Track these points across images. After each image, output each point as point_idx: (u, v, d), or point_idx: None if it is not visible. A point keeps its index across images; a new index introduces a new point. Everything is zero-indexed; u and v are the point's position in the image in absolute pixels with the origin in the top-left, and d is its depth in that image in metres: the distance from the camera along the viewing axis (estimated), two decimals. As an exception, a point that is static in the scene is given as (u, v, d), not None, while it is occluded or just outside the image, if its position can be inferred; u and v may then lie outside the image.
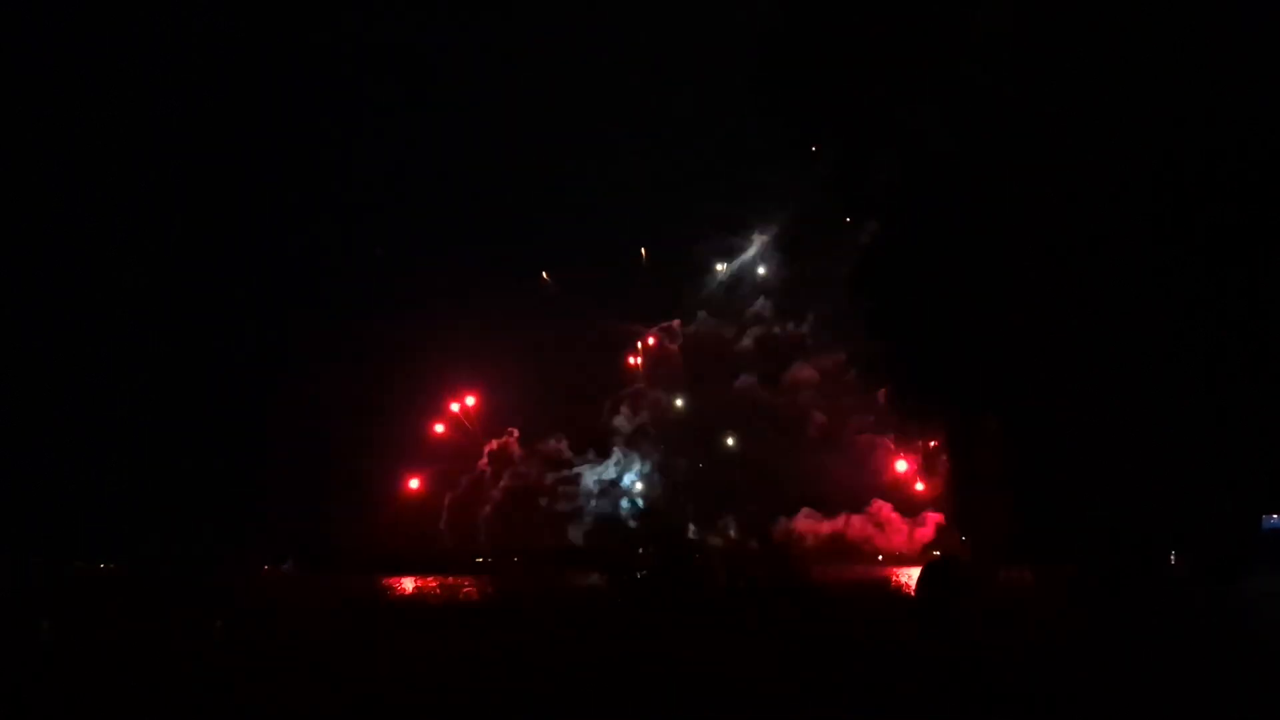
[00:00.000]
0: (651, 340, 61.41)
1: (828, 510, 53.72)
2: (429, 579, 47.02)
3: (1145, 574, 18.33)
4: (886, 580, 35.62)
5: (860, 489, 54.47)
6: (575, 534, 54.91)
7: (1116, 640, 17.02)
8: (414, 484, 59.76)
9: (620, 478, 56.74)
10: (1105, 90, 25.34)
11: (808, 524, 53.35)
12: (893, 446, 56.33)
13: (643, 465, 56.55)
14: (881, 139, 31.03)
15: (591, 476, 57.12)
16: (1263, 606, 23.13)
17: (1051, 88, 26.17)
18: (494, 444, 59.90)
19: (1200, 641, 16.87)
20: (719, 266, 60.37)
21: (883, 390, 42.28)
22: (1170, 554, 19.15)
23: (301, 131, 61.09)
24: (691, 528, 46.29)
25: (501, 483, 58.35)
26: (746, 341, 60.17)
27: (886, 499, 54.55)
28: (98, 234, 57.96)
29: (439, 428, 61.14)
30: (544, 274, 60.52)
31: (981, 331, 28.10)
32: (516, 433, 59.52)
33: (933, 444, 49.72)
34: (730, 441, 56.30)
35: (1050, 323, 26.34)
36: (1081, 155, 25.53)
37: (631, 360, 61.81)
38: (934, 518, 52.06)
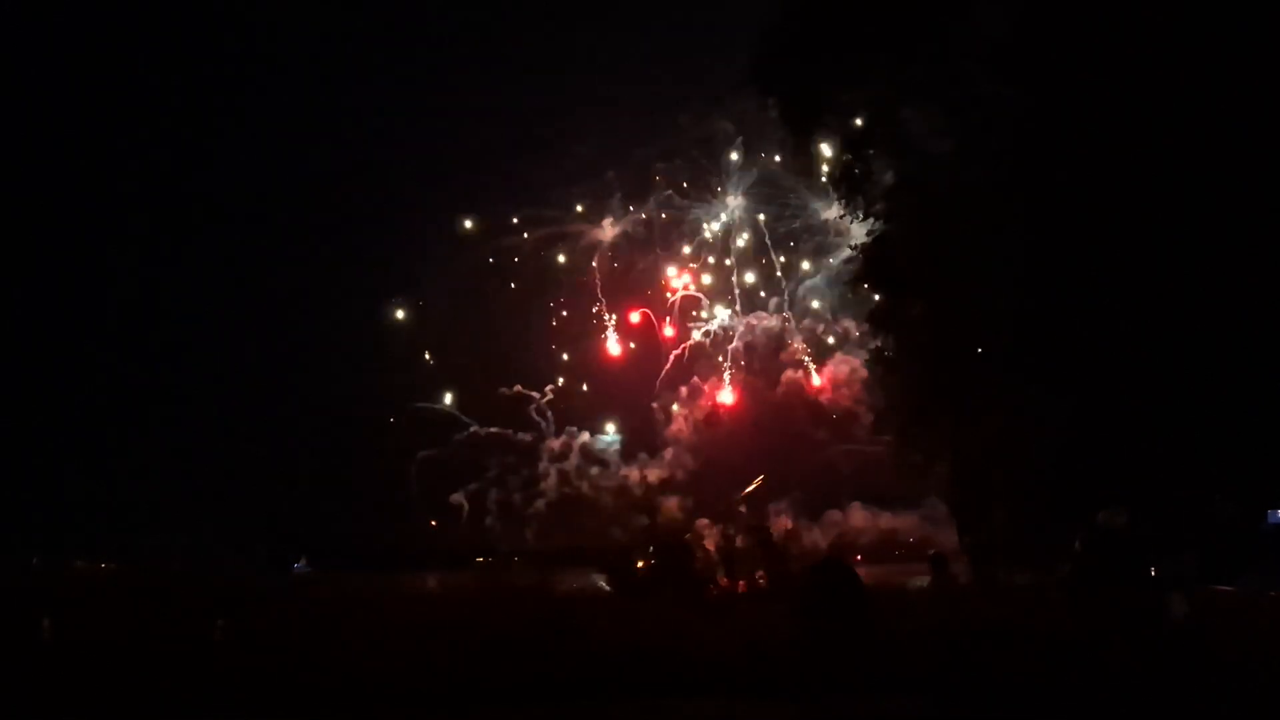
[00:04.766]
0: (706, 337, 61.10)
1: (881, 505, 53.39)
2: (431, 577, 47.00)
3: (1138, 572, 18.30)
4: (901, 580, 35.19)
5: (912, 485, 53.93)
6: (605, 535, 54.71)
7: (1110, 641, 17.04)
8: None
9: (671, 476, 56.51)
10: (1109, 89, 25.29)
11: (862, 518, 53.12)
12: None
13: (690, 463, 56.46)
14: (882, 137, 30.99)
15: (635, 476, 57.00)
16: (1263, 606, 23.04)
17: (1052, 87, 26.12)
18: (554, 444, 59.84)
19: (1196, 641, 16.84)
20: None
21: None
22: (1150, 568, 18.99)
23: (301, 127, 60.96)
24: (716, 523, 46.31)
25: (547, 482, 58.37)
26: (797, 337, 60.06)
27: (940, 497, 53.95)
28: (97, 229, 57.99)
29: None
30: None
31: (979, 329, 28.11)
32: (585, 435, 59.41)
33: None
34: (779, 437, 56.04)
35: (1049, 320, 26.34)
36: (1082, 150, 25.50)
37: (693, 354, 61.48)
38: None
